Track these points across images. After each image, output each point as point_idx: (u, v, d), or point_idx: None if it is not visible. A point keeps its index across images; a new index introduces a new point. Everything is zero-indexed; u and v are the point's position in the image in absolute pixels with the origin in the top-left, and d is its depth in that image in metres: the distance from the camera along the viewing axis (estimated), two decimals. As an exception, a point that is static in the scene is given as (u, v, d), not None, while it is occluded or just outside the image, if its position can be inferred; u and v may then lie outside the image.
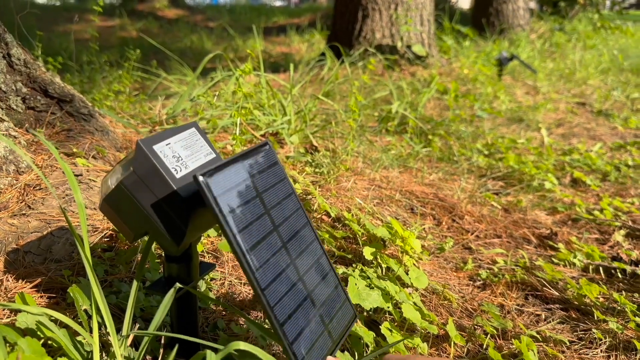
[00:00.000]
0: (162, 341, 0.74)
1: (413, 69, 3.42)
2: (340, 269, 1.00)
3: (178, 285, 0.69)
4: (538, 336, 0.95)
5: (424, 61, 3.50)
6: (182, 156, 0.66)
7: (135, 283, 0.70)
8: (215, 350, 0.57)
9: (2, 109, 1.23)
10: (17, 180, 1.07)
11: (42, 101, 1.31)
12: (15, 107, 1.27)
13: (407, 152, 1.97)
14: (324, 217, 1.26)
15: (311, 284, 0.65)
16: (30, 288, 0.81)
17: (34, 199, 1.01)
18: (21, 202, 1.00)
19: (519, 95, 3.29)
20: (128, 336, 0.67)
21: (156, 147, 0.64)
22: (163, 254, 0.95)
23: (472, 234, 1.38)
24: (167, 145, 0.66)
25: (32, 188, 1.05)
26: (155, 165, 0.62)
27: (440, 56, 3.87)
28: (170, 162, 0.64)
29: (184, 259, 0.70)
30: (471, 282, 1.14)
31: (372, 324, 0.91)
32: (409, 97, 2.60)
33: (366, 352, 0.82)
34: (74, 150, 1.20)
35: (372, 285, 0.91)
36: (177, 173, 0.64)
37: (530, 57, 4.43)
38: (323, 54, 3.44)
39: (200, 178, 0.55)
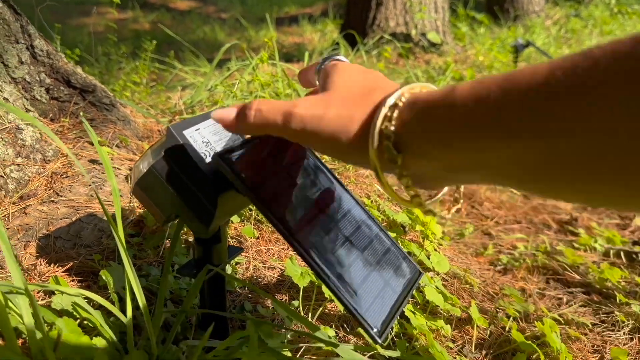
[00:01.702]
0: (193, 322, 0.76)
1: (428, 56, 3.40)
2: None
3: (209, 266, 0.70)
4: (560, 319, 0.96)
5: (438, 49, 3.49)
6: (210, 141, 0.67)
7: (167, 265, 0.72)
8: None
9: (27, 99, 1.25)
10: (44, 168, 1.09)
11: (65, 91, 1.33)
12: (39, 98, 1.29)
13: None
14: (344, 203, 1.27)
15: (361, 245, 0.64)
16: (62, 272, 0.83)
17: (61, 187, 1.03)
18: (49, 190, 1.02)
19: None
20: (160, 316, 0.69)
21: (186, 132, 0.65)
22: (190, 239, 0.97)
23: (491, 220, 1.38)
24: (196, 130, 0.67)
25: (59, 176, 1.07)
26: (185, 149, 0.63)
27: (455, 43, 3.85)
28: (200, 147, 0.66)
29: (213, 241, 0.71)
30: (492, 267, 1.14)
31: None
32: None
33: (390, 333, 0.83)
34: (99, 139, 1.22)
35: (395, 268, 0.92)
36: (206, 158, 0.65)
37: (546, 44, 4.39)
38: (337, 44, 3.44)
39: (219, 157, 0.56)
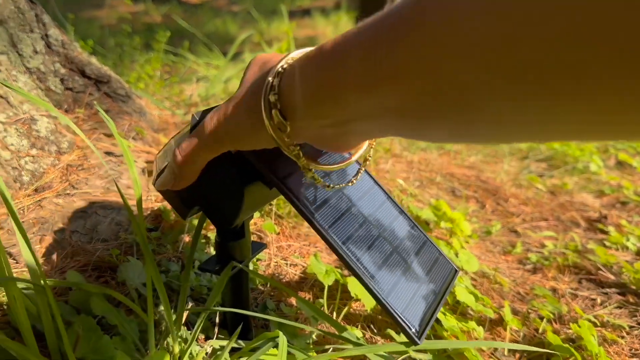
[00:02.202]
0: (217, 320, 0.73)
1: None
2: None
3: (233, 263, 0.67)
4: (596, 320, 0.91)
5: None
6: None
7: (189, 260, 0.69)
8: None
9: (42, 89, 1.22)
10: (59, 160, 1.06)
11: (80, 82, 1.30)
12: (53, 88, 1.26)
13: (444, 134, 1.93)
14: (365, 198, 1.23)
15: (395, 242, 0.61)
16: (79, 267, 0.80)
17: (77, 179, 1.00)
18: (65, 182, 0.99)
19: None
20: (182, 315, 0.66)
21: None
22: (209, 233, 0.94)
23: (517, 217, 1.34)
24: None
25: (74, 168, 1.04)
26: None
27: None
28: None
29: (237, 237, 0.68)
30: (521, 266, 1.10)
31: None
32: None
33: (421, 335, 0.80)
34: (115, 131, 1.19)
35: (424, 266, 0.88)
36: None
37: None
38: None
39: None
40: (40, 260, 0.81)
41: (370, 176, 0.67)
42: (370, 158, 0.50)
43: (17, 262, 0.79)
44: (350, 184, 0.56)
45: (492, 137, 0.32)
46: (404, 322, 0.52)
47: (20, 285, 0.55)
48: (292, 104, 0.38)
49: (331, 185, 0.50)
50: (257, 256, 0.94)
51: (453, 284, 0.62)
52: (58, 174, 1.01)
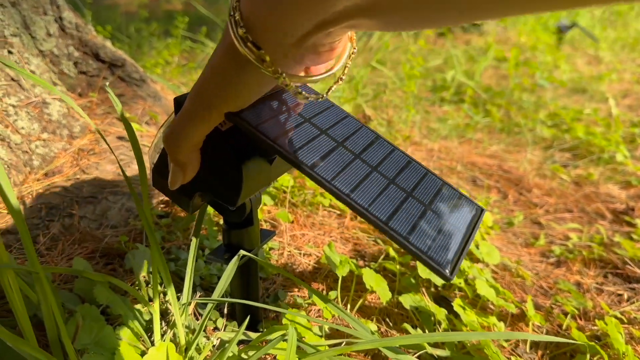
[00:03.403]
0: (226, 311, 0.70)
1: (467, 37, 3.27)
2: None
3: (242, 252, 0.64)
4: (622, 317, 0.87)
5: (478, 28, 3.35)
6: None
7: (192, 248, 0.66)
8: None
9: (55, 73, 1.21)
10: (70, 145, 1.04)
11: (94, 65, 1.28)
12: (67, 72, 1.24)
13: (465, 123, 1.88)
14: (383, 187, 1.20)
15: (411, 185, 0.57)
16: (87, 254, 0.78)
17: (88, 164, 0.98)
18: (75, 167, 0.97)
19: (580, 65, 3.11)
20: (189, 304, 0.63)
21: None
22: (222, 221, 0.91)
23: (541, 208, 1.29)
24: None
25: (86, 153, 1.02)
26: None
27: (496, 23, 3.70)
28: None
29: (244, 225, 0.65)
30: (544, 259, 1.06)
31: (442, 300, 0.85)
32: (464, 66, 2.48)
33: (438, 329, 0.76)
34: (127, 115, 1.17)
35: (442, 258, 0.85)
36: (221, 126, 0.58)
37: (589, 26, 4.19)
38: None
39: (233, 115, 0.50)
40: (47, 246, 0.79)
41: (369, 129, 0.63)
42: (349, 65, 0.47)
43: (23, 251, 0.78)
44: (322, 97, 0.52)
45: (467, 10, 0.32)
46: (430, 260, 0.48)
47: (19, 272, 0.53)
48: (259, 29, 0.38)
49: (314, 96, 0.48)
50: (270, 245, 0.91)
51: (480, 223, 0.57)
52: (69, 158, 1.00)
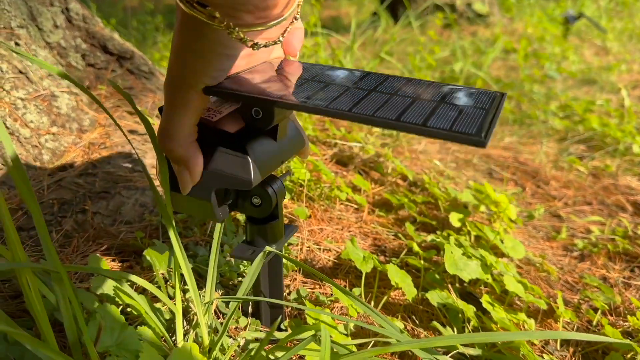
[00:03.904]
0: (250, 309, 0.68)
1: (473, 28, 3.24)
2: (429, 237, 0.92)
3: (268, 248, 0.61)
4: (654, 313, 0.84)
5: (484, 20, 3.31)
6: (211, 107, 0.58)
7: (215, 244, 0.64)
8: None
9: (62, 65, 1.18)
10: (80, 138, 1.01)
11: (102, 58, 1.25)
12: (74, 64, 1.21)
13: (477, 115, 1.84)
14: (399, 181, 1.17)
15: (415, 95, 0.54)
16: (102, 251, 0.75)
17: (99, 158, 0.95)
18: (87, 161, 0.94)
19: (588, 56, 3.07)
20: (212, 303, 0.61)
21: None
22: (239, 216, 0.89)
23: (559, 200, 1.26)
24: None
25: (97, 147, 0.99)
26: None
27: (502, 15, 3.66)
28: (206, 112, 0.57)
29: (269, 219, 0.62)
30: (567, 253, 1.03)
31: (468, 296, 0.82)
32: (471, 58, 2.45)
33: (467, 327, 0.74)
34: (138, 108, 1.14)
35: (468, 254, 0.82)
36: (212, 118, 0.57)
37: (595, 17, 4.15)
38: (375, 13, 3.29)
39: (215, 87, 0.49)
40: (61, 243, 0.76)
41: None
42: (298, 15, 0.47)
43: (38, 246, 0.75)
44: (279, 41, 0.50)
45: None
46: (458, 133, 0.44)
47: (36, 271, 0.50)
48: None
49: (261, 44, 0.46)
50: (288, 241, 0.88)
51: (503, 105, 0.53)
52: (79, 152, 0.97)
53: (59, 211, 0.82)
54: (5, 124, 0.90)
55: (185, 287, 0.68)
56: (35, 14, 1.14)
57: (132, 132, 1.06)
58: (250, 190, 0.61)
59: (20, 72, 1.00)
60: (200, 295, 0.67)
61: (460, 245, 0.85)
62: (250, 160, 0.55)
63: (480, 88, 0.54)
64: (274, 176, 0.64)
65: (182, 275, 0.62)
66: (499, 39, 2.63)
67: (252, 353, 0.55)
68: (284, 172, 0.82)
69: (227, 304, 0.69)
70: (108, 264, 0.73)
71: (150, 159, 0.98)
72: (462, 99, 0.52)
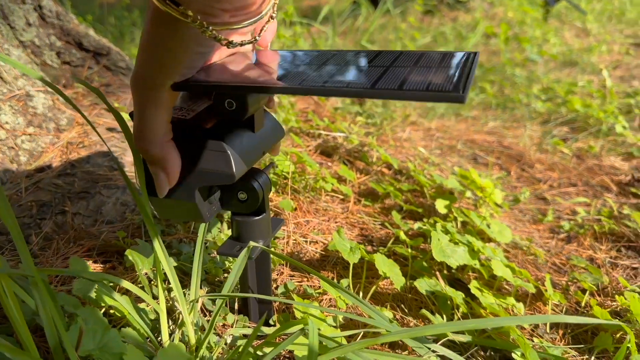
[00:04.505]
0: (236, 305, 0.66)
1: (454, 14, 3.23)
2: (416, 225, 0.91)
3: (252, 243, 0.60)
4: (641, 292, 0.85)
5: (465, 5, 3.31)
6: (183, 107, 0.58)
7: (199, 241, 0.62)
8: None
9: (37, 64, 1.15)
10: (58, 138, 0.99)
11: (78, 55, 1.22)
12: (50, 63, 1.18)
13: (460, 100, 1.84)
14: (384, 169, 1.16)
15: (386, 64, 0.53)
16: (83, 252, 0.74)
17: (78, 157, 0.93)
18: (65, 161, 0.92)
19: (568, 38, 3.08)
20: (197, 301, 0.59)
21: None
22: (225, 213, 0.87)
23: (544, 183, 1.26)
24: None
25: (75, 146, 0.97)
26: None
27: (482, 0, 3.66)
28: (174, 113, 0.56)
29: (256, 214, 0.61)
30: (553, 235, 1.03)
31: (456, 283, 0.82)
32: (453, 43, 2.45)
33: (456, 313, 0.73)
34: (116, 105, 1.12)
35: (455, 240, 0.82)
36: (185, 117, 0.56)
37: (575, -1, 4.16)
38: (354, 2, 3.27)
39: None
40: (41, 245, 0.74)
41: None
42: (275, 15, 0.47)
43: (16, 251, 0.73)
44: (255, 40, 0.50)
45: None
46: (434, 92, 0.43)
47: (13, 276, 0.48)
48: None
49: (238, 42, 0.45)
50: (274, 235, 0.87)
51: (476, 63, 0.52)
52: (57, 152, 0.95)
53: (38, 213, 0.80)
54: (-21, 126, 0.88)
55: (170, 286, 0.67)
56: (7, 12, 1.12)
57: (111, 129, 1.04)
58: (235, 186, 0.60)
59: (-7, 72, 0.97)
60: (185, 294, 0.66)
61: (447, 231, 0.84)
62: (230, 153, 0.54)
63: (450, 50, 0.54)
64: (258, 170, 0.62)
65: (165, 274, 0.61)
66: (480, 24, 2.63)
67: (240, 350, 0.54)
68: (267, 164, 0.80)
69: (214, 301, 0.68)
70: (90, 265, 0.72)
71: (130, 157, 0.96)
72: (434, 61, 0.51)
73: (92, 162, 0.92)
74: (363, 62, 0.54)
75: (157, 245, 0.56)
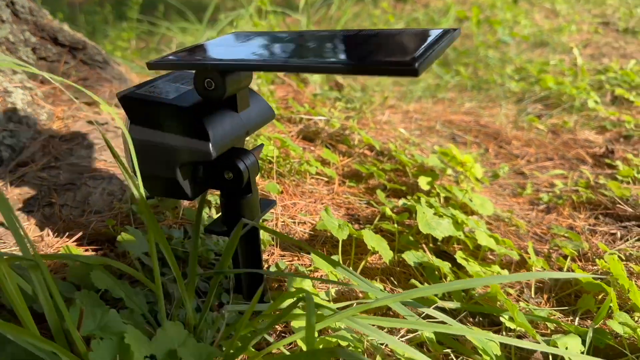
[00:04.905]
0: (230, 285, 0.68)
1: (425, 0, 3.26)
2: (400, 202, 0.93)
3: (244, 220, 0.61)
4: (620, 255, 0.88)
5: (436, -8, 3.34)
6: (170, 90, 0.60)
7: (197, 221, 0.63)
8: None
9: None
10: (39, 133, 0.99)
11: (54, 50, 1.21)
12: (25, 59, 1.17)
13: (436, 83, 1.87)
14: (366, 151, 1.18)
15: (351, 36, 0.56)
16: (73, 242, 0.74)
17: (61, 151, 0.93)
18: (48, 155, 0.92)
19: (538, 19, 3.13)
20: (194, 281, 0.60)
21: (140, 91, 0.59)
22: (213, 196, 0.88)
23: (522, 158, 1.29)
24: (151, 86, 0.60)
25: (57, 140, 0.97)
26: (144, 99, 0.57)
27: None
28: (160, 93, 0.59)
29: (243, 193, 0.63)
30: (533, 207, 1.06)
31: (442, 254, 0.84)
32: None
33: (443, 282, 0.75)
34: (95, 98, 1.11)
35: (439, 213, 0.84)
36: (168, 95, 0.58)
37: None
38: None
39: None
40: (31, 238, 0.74)
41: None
42: None
43: (4, 243, 0.73)
44: None
45: None
46: (389, 63, 0.45)
47: (10, 261, 0.49)
48: None
49: None
50: (262, 217, 0.88)
51: (451, 38, 0.53)
52: (39, 146, 0.94)
53: (25, 206, 0.80)
54: (-42, 123, 0.87)
55: (164, 269, 0.67)
56: (-21, 9, 1.10)
57: (90, 122, 1.03)
58: (220, 164, 0.61)
59: (-31, 69, 0.96)
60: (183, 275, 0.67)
61: (431, 206, 0.86)
62: (208, 131, 0.56)
63: (427, 28, 0.55)
64: (244, 150, 0.64)
65: (160, 257, 0.62)
66: (451, 9, 2.66)
67: (238, 324, 0.55)
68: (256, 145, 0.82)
69: (208, 283, 0.69)
70: (81, 254, 0.72)
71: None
72: (405, 37, 0.53)
73: (75, 154, 0.92)
74: (332, 40, 0.56)
75: (153, 227, 0.56)
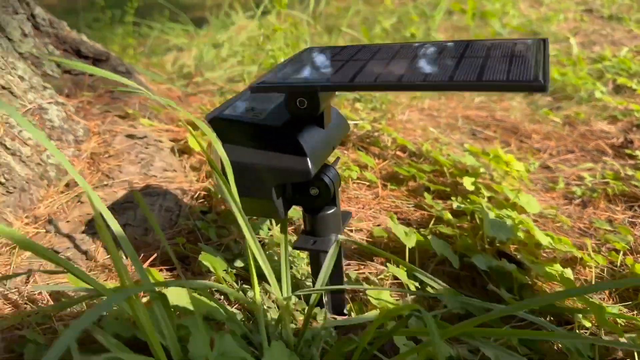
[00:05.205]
0: (325, 299, 0.68)
1: (414, -7, 3.27)
2: (454, 204, 0.94)
3: (340, 237, 0.62)
4: (665, 247, 0.91)
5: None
6: (254, 107, 0.61)
7: (284, 238, 0.64)
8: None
9: (39, 75, 1.11)
10: (79, 150, 0.97)
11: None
12: (50, 73, 1.15)
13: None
14: (398, 152, 1.19)
15: (458, 55, 0.56)
16: (148, 263, 0.73)
17: (108, 168, 0.92)
18: (97, 173, 0.91)
19: (524, 9, 3.18)
20: (290, 298, 0.61)
21: (228, 113, 0.60)
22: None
23: (544, 152, 1.32)
24: (233, 107, 0.62)
25: (100, 156, 0.95)
26: (236, 120, 0.59)
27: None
28: (246, 115, 0.60)
29: (329, 207, 0.63)
30: (568, 202, 1.09)
31: (503, 256, 0.85)
32: (417, 23, 2.49)
33: (515, 285, 0.77)
34: (129, 111, 1.10)
35: (499, 215, 0.85)
36: (259, 116, 0.59)
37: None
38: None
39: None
40: (101, 261, 0.74)
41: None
42: None
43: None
44: None
45: None
46: (516, 82, 0.46)
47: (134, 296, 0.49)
48: None
49: None
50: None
51: (548, 49, 0.55)
52: (85, 164, 0.93)
53: (89, 228, 0.79)
54: (5, 144, 0.85)
55: (243, 286, 0.68)
56: (2, 24, 1.07)
57: (131, 136, 1.02)
58: (307, 181, 0.62)
59: (4, 87, 0.94)
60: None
61: (488, 208, 0.88)
62: (306, 150, 0.56)
63: (518, 38, 0.57)
64: (326, 164, 0.64)
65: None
66: (442, 1, 2.68)
67: (336, 342, 0.56)
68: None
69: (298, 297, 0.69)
70: (160, 274, 0.71)
71: (159, 162, 0.95)
72: (506, 50, 0.54)
73: (125, 171, 0.91)
74: (432, 54, 0.57)
75: (252, 243, 0.56)
